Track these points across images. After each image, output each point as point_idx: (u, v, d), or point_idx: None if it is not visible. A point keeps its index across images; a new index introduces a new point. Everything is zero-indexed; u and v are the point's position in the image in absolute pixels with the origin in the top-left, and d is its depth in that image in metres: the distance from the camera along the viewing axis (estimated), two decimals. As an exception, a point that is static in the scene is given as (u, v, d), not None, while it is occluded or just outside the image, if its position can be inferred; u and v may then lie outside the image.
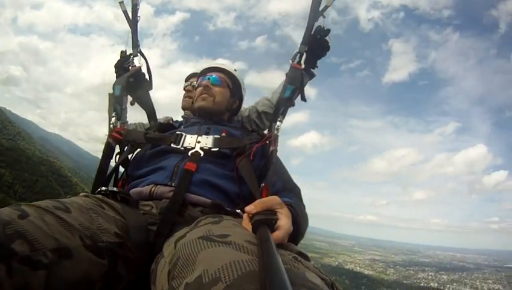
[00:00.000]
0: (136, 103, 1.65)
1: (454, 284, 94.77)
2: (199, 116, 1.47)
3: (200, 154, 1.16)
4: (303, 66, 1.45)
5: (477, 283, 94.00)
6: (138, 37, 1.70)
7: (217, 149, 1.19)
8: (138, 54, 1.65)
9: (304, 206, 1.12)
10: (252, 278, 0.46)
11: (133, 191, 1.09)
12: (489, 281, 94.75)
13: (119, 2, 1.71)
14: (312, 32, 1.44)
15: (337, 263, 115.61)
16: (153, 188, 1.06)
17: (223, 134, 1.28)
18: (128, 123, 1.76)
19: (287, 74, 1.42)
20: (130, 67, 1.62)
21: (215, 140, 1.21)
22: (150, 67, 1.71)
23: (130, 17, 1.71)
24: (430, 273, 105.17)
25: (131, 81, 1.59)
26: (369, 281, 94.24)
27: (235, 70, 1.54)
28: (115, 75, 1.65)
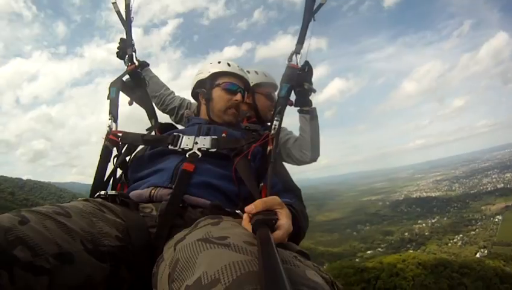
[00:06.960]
0: (134, 103, 1.62)
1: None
2: (205, 119, 1.45)
3: (198, 155, 1.15)
4: (299, 66, 1.39)
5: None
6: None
7: (214, 150, 1.18)
8: (134, 53, 1.65)
9: (304, 207, 1.13)
10: (251, 279, 0.48)
11: (132, 193, 1.08)
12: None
13: (112, 3, 1.69)
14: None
15: (403, 195, 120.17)
16: (153, 191, 1.04)
17: (223, 134, 1.27)
18: (174, 94, 1.90)
19: (283, 74, 1.38)
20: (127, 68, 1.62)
21: (212, 141, 1.20)
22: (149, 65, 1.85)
23: (124, 18, 1.68)
24: (493, 177, 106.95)
25: (128, 81, 1.58)
26: (439, 201, 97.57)
27: (248, 72, 1.62)
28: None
